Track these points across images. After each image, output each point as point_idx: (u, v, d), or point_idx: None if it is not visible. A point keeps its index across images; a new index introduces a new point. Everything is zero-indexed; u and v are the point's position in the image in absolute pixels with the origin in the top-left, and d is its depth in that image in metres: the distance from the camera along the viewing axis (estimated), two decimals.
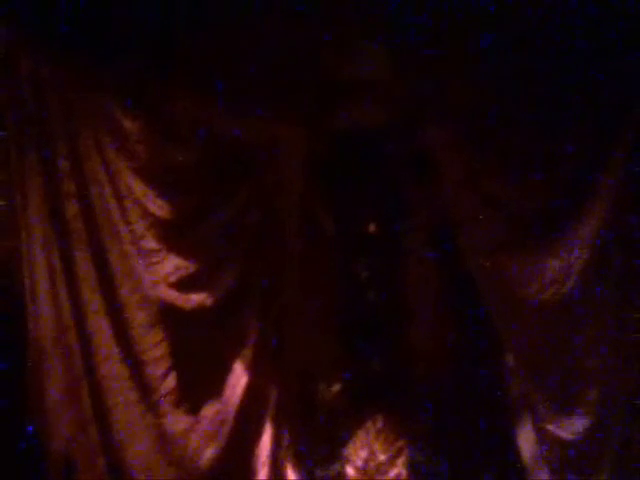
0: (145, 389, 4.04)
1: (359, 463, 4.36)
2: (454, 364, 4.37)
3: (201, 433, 4.11)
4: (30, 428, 3.95)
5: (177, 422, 4.07)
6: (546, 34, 4.05)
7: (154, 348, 4.05)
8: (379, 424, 4.38)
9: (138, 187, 4.03)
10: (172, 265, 4.06)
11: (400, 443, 4.37)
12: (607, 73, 4.05)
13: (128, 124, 4.01)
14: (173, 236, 4.07)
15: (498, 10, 4.01)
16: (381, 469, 4.36)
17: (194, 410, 4.10)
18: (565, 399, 4.15)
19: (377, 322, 4.39)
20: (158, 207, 4.04)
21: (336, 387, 4.37)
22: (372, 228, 4.39)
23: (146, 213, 4.03)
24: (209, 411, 4.12)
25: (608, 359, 4.12)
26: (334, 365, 4.37)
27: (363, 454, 4.37)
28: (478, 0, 4.01)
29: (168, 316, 4.05)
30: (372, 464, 4.36)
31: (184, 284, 4.07)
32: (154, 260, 4.05)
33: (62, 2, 3.99)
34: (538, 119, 4.10)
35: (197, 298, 4.08)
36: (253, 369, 4.19)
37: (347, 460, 4.36)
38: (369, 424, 4.38)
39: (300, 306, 4.32)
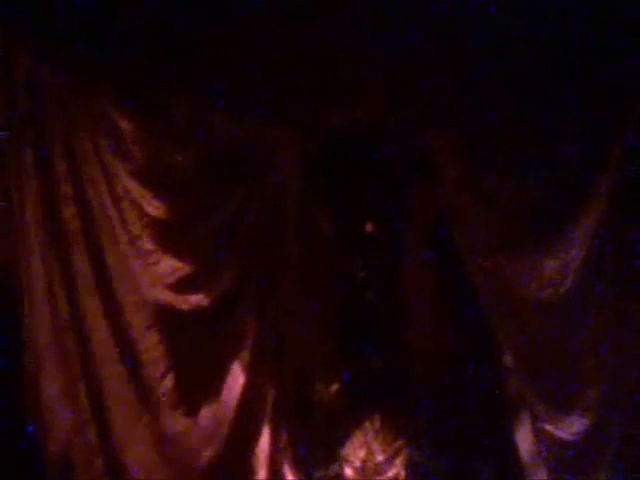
0: (143, 390, 4.04)
1: (357, 463, 4.36)
2: (452, 364, 4.37)
3: (199, 434, 4.11)
4: (30, 428, 3.96)
5: (175, 423, 4.08)
6: (546, 35, 4.04)
7: (152, 349, 4.05)
8: (377, 424, 4.37)
9: (135, 188, 4.03)
10: (169, 266, 4.06)
11: (398, 443, 4.37)
12: (607, 73, 4.04)
13: (125, 125, 4.01)
14: (170, 237, 4.07)
15: (497, 11, 4.00)
16: (379, 469, 4.36)
17: (192, 411, 4.11)
18: (564, 399, 4.15)
19: (375, 322, 4.38)
20: (155, 208, 4.04)
21: (334, 387, 4.36)
22: (370, 228, 4.38)
23: (143, 214, 4.04)
24: (207, 412, 4.13)
25: (607, 359, 4.12)
26: (332, 365, 4.36)
27: (361, 454, 4.36)
28: (477, 1, 4.00)
29: (165, 317, 4.06)
30: (370, 464, 4.36)
31: (181, 285, 4.07)
32: (151, 261, 4.05)
33: (61, 3, 3.99)
34: (537, 119, 4.09)
35: (194, 299, 4.08)
36: (251, 370, 4.18)
37: (345, 460, 4.36)
38: (367, 424, 4.37)
39: (298, 307, 4.32)
